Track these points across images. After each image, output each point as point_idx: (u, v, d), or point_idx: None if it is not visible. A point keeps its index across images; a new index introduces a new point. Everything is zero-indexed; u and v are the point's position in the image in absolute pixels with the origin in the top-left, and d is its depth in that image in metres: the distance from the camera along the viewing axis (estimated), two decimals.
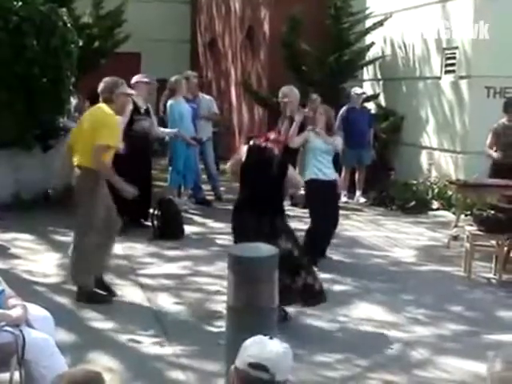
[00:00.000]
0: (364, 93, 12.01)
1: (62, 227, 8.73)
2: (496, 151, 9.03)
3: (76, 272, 6.21)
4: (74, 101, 11.18)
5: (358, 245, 8.60)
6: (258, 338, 2.47)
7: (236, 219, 5.94)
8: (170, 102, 9.92)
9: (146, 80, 9.39)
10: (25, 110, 9.62)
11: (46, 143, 10.28)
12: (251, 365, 2.35)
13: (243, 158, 5.94)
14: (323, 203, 7.46)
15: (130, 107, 8.10)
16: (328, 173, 7.59)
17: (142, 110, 9.03)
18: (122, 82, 6.36)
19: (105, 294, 6.28)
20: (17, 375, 3.77)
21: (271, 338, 2.46)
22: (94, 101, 9.07)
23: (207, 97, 11.50)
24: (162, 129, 9.61)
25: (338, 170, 8.65)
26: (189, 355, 5.09)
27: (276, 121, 10.15)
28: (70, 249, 6.35)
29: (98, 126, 6.00)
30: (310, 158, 7.59)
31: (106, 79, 6.34)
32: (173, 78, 10.11)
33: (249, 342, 2.45)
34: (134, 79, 9.19)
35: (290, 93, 9.77)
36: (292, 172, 6.09)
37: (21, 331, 3.71)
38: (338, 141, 7.85)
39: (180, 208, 9.30)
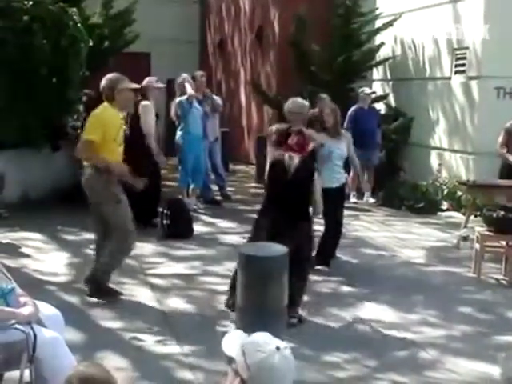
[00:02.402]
0: (374, 92, 11.98)
1: (71, 226, 8.76)
2: (508, 151, 8.99)
3: (104, 269, 6.19)
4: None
5: (367, 245, 8.58)
6: (269, 357, 2.35)
7: (255, 222, 6.04)
8: (178, 99, 9.93)
9: (160, 85, 9.31)
10: (31, 110, 9.65)
11: (55, 143, 10.30)
12: None
13: (267, 170, 6.03)
14: (334, 209, 7.50)
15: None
16: (339, 178, 7.58)
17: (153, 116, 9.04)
18: (123, 78, 6.27)
19: (117, 291, 6.29)
20: (27, 373, 3.78)
21: (278, 348, 2.38)
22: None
23: (215, 97, 11.50)
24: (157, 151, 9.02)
25: (346, 170, 8.59)
26: (197, 354, 5.08)
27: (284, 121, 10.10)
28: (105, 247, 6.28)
29: (88, 123, 6.12)
30: (325, 165, 7.38)
31: (107, 76, 6.28)
32: (177, 80, 10.11)
33: (262, 362, 2.35)
34: (147, 82, 9.05)
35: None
36: (318, 195, 6.02)
37: (32, 329, 3.72)
38: (344, 143, 7.75)
39: (189, 208, 9.32)
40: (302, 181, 5.86)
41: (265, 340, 2.42)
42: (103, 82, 6.21)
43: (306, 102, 7.31)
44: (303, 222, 5.91)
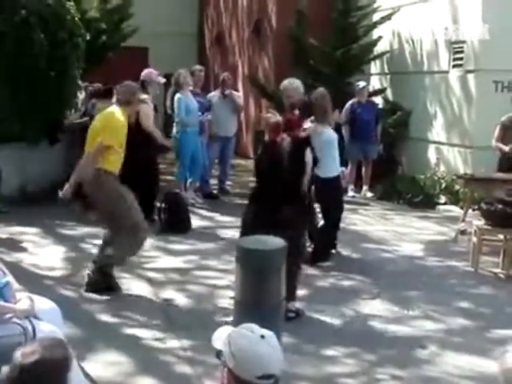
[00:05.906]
0: (367, 85, 11.96)
1: (68, 221, 8.75)
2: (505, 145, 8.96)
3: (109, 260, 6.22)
4: (81, 95, 11.15)
5: (365, 239, 8.57)
6: (253, 343, 2.38)
7: (245, 212, 6.01)
8: (177, 96, 9.89)
9: (161, 80, 9.29)
10: (29, 104, 9.63)
11: (53, 137, 10.28)
12: (261, 377, 2.33)
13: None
14: (340, 198, 7.58)
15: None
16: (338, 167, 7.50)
17: None
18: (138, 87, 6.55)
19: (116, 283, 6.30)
20: None
21: (263, 336, 2.40)
22: (102, 97, 9.10)
23: (236, 93, 11.63)
24: (160, 137, 9.10)
25: (343, 163, 8.54)
26: (196, 349, 5.08)
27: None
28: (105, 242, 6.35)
29: (106, 127, 6.09)
30: (328, 152, 7.09)
31: (128, 83, 6.43)
32: (176, 73, 10.09)
33: (246, 348, 2.37)
34: (147, 76, 9.02)
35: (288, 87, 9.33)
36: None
37: (30, 322, 3.72)
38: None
39: (187, 202, 9.31)
40: (290, 166, 5.76)
41: (250, 329, 2.44)
42: (125, 87, 6.30)
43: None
44: (288, 207, 5.68)
